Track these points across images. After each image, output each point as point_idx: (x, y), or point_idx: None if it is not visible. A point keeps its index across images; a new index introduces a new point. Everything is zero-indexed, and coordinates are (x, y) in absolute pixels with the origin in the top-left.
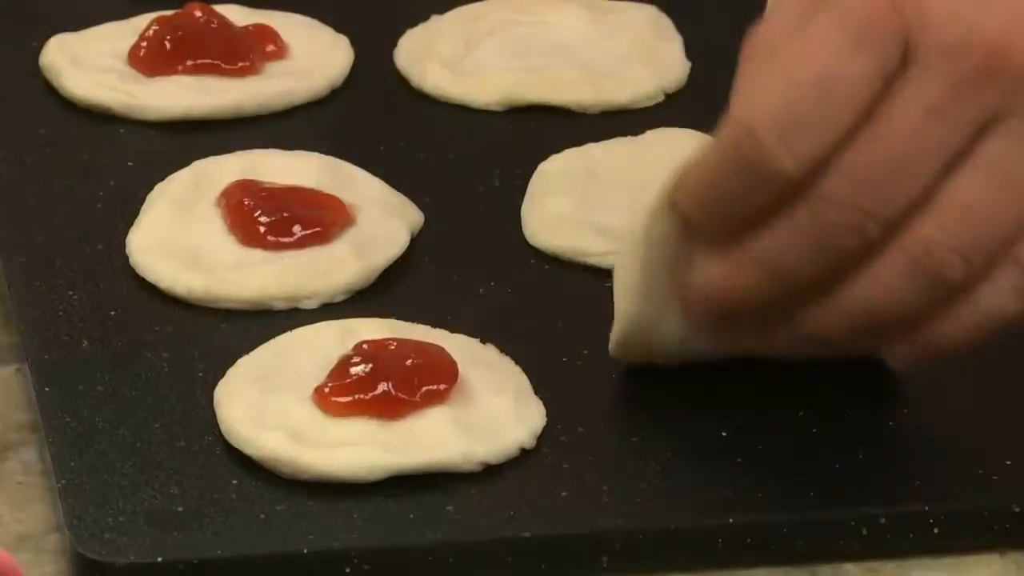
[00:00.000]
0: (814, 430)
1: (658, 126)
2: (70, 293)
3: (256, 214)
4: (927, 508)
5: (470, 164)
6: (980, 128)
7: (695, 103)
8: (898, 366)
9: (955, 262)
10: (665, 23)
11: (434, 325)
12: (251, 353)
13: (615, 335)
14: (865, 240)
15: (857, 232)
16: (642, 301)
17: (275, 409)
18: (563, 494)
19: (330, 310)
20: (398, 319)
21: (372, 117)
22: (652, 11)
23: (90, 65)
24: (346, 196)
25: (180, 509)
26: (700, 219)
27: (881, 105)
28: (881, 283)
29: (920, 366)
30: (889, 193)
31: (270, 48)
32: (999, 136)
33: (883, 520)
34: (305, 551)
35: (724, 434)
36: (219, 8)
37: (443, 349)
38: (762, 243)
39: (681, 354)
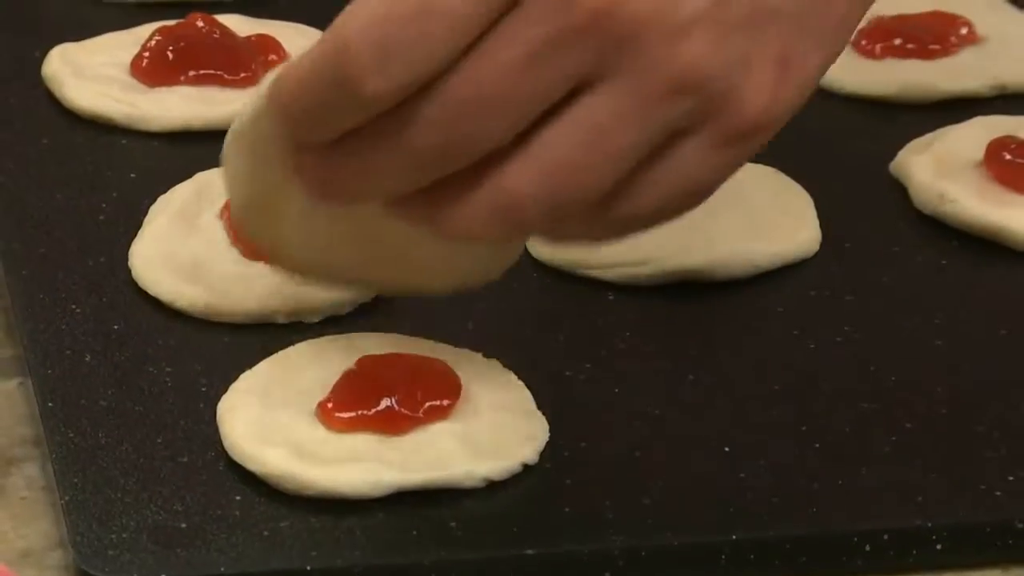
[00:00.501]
0: (816, 445)
1: None
2: (73, 306)
3: None
4: (929, 524)
5: None
6: (578, 83)
7: None
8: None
9: (536, 212)
10: None
11: (437, 339)
12: (253, 368)
13: (233, 211)
14: (449, 167)
15: (439, 162)
16: (254, 183)
17: (278, 424)
18: (566, 510)
19: (333, 324)
20: (401, 333)
21: None
22: None
23: (92, 76)
24: None
25: (183, 526)
26: (297, 122)
27: (484, 42)
28: (470, 214)
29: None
30: (476, 127)
31: (272, 58)
32: (594, 96)
33: (885, 536)
34: (308, 568)
35: (727, 449)
36: (221, 18)
37: (446, 364)
38: (354, 154)
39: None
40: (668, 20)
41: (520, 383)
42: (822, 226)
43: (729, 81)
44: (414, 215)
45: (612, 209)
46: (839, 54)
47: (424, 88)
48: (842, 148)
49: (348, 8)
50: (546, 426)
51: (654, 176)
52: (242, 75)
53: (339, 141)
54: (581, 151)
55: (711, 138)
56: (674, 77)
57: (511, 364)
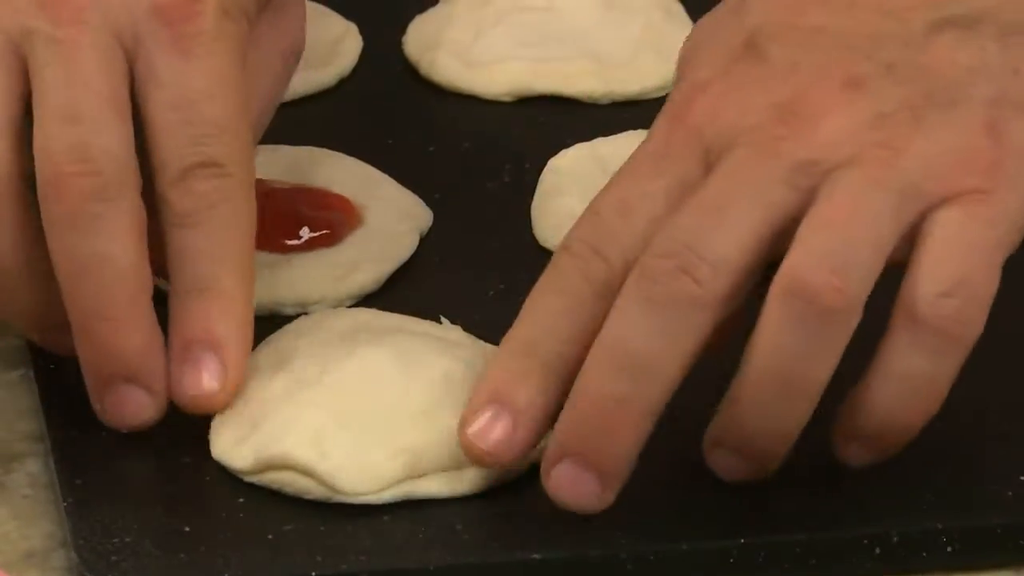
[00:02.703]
0: (826, 445)
1: None
2: None
3: (263, 216)
4: (940, 525)
5: (480, 158)
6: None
7: None
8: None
9: (832, 283)
10: (676, 9)
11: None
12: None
13: None
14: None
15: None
16: None
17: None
18: (574, 512)
19: None
20: None
21: (380, 108)
22: None
23: None
24: (355, 195)
25: (187, 529)
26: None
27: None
28: (768, 328)
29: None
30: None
31: None
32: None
33: (896, 538)
34: (313, 574)
35: None
36: None
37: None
38: (610, 332)
39: None
40: None
41: None
42: None
43: None
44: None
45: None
46: None
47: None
48: None
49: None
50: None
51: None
52: None
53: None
54: (850, 218)
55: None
56: None
57: None
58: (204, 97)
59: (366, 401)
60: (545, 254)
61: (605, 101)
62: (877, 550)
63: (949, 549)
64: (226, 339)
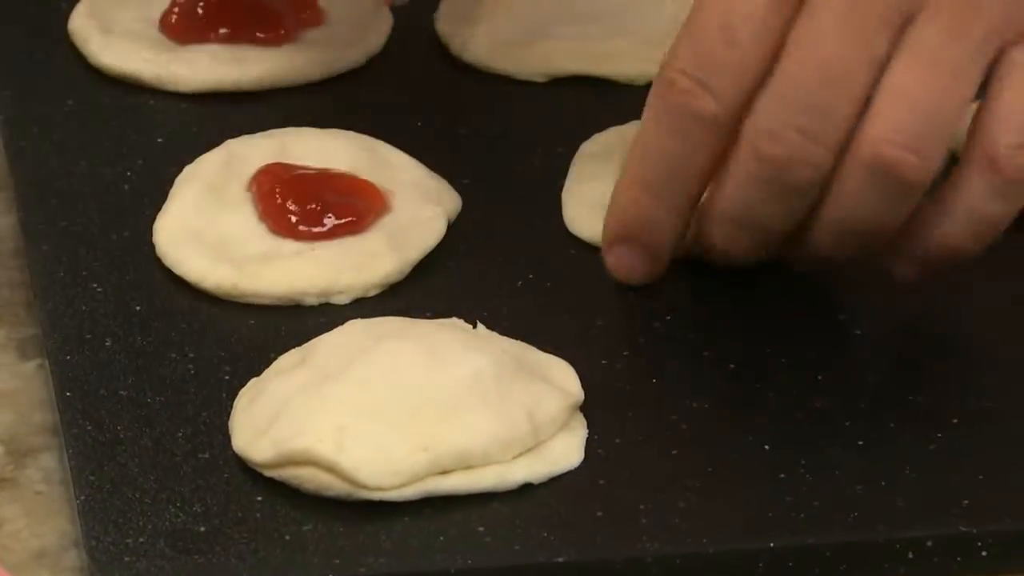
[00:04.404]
0: (860, 443)
1: None
2: (94, 286)
3: (288, 203)
4: (975, 530)
5: (511, 141)
6: (896, 26)
7: None
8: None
9: (907, 157)
10: None
11: (469, 319)
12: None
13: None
14: (814, 167)
15: (801, 160)
16: None
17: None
18: (599, 514)
19: (362, 304)
20: (432, 315)
21: (410, 89)
22: None
23: (120, 32)
24: (382, 180)
25: (202, 529)
26: (657, 186)
27: (795, 29)
28: (846, 197)
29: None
30: (822, 108)
31: (306, 14)
32: (920, 25)
33: (930, 543)
34: None
35: (767, 447)
36: None
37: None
38: (721, 195)
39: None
40: None
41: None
42: None
43: None
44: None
45: None
46: None
47: (755, 99)
48: None
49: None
50: (584, 422)
51: None
52: (275, 32)
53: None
54: (927, 80)
55: None
56: None
57: (546, 350)
58: None
59: (390, 395)
60: (575, 242)
61: (641, 82)
62: (910, 555)
63: (984, 554)
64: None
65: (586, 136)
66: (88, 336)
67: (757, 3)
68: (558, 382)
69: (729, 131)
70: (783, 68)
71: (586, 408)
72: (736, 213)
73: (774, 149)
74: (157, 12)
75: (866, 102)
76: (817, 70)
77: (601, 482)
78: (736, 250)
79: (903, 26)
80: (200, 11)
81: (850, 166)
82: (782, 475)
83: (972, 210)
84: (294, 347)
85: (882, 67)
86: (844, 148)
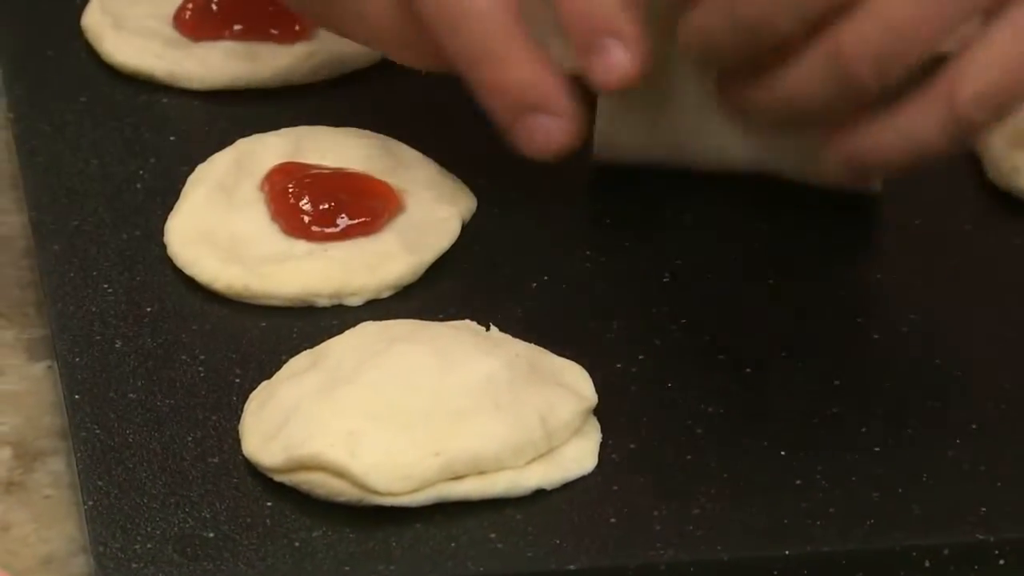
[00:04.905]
0: (877, 449)
1: None
2: (105, 286)
3: (300, 203)
4: (992, 538)
5: None
6: None
7: None
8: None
9: (865, 67)
10: None
11: (482, 321)
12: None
13: None
14: (779, 34)
15: (769, 25)
16: None
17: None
18: (612, 520)
19: (375, 305)
20: (444, 316)
21: (425, 87)
22: None
23: (133, 28)
24: (396, 180)
25: (211, 535)
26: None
27: None
28: (800, 76)
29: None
30: None
31: None
32: None
33: (946, 551)
34: None
35: (783, 453)
36: None
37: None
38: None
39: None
40: None
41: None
42: (886, 201)
43: None
44: (744, 98)
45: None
46: None
47: None
48: None
49: None
50: (599, 427)
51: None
52: (291, 30)
53: None
54: (916, 5)
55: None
56: None
57: (560, 354)
58: None
59: (402, 399)
60: (590, 244)
61: None
62: (927, 563)
63: (1001, 562)
64: (624, 21)
65: None
66: (98, 338)
67: None
68: (572, 386)
69: None
70: None
71: (600, 412)
72: (702, 36)
73: (748, 8)
74: (171, 8)
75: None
76: None
77: (615, 488)
78: (713, 43)
79: None
80: (214, 8)
81: (812, 53)
82: (798, 481)
83: (913, 133)
84: (306, 349)
85: None
86: (815, 34)
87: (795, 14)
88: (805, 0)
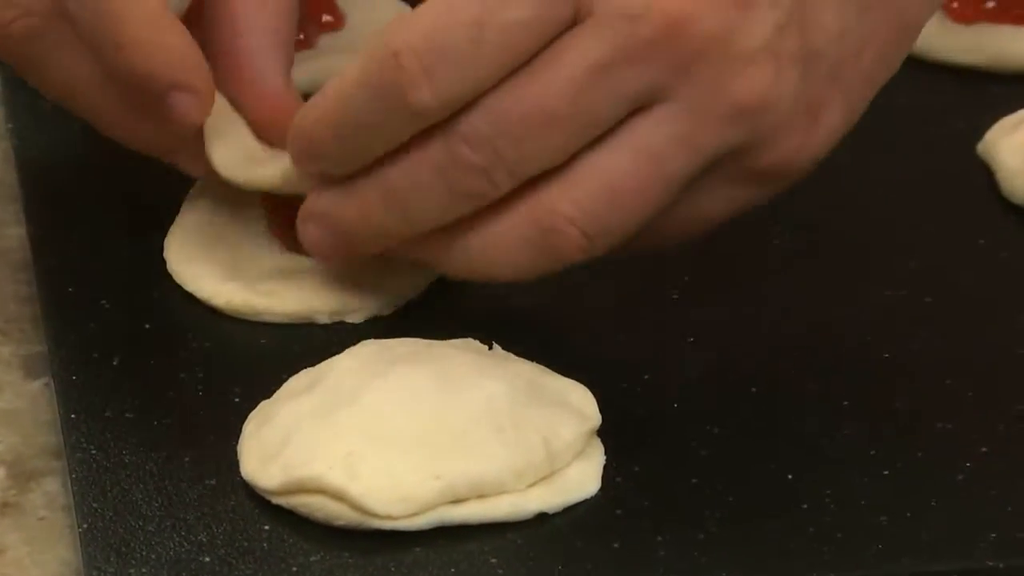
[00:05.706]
0: (886, 472)
1: None
2: (103, 302)
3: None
4: (1002, 564)
5: None
6: (635, 105)
7: None
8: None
9: (579, 241)
10: None
11: (484, 340)
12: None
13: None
14: (492, 188)
15: (486, 177)
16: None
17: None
18: (615, 545)
19: (376, 322)
20: (447, 334)
21: None
22: None
23: None
24: None
25: (207, 559)
26: (329, 145)
27: (541, 57)
28: (501, 241)
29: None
30: (529, 145)
31: (326, 19)
32: (652, 119)
33: None
34: None
35: (789, 476)
36: None
37: None
38: (390, 173)
39: None
40: (737, 43)
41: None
42: (899, 213)
43: (779, 116)
44: (432, 251)
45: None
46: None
47: (473, 104)
48: (925, 124)
49: (398, 17)
50: (601, 448)
51: (678, 206)
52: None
53: (367, 170)
54: (633, 177)
55: (740, 172)
56: (737, 103)
57: (565, 373)
58: None
59: (402, 422)
60: (596, 262)
61: None
62: None
63: None
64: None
65: None
66: (95, 355)
67: (521, 12)
68: (575, 406)
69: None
70: (516, 90)
71: (603, 433)
72: (397, 189)
73: (471, 157)
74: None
75: (567, 161)
76: (545, 113)
77: (618, 512)
78: (368, 224)
79: (638, 108)
80: None
81: (519, 216)
82: (805, 505)
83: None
84: (306, 367)
85: (599, 137)
86: (521, 191)
87: (514, 166)
88: (527, 152)
